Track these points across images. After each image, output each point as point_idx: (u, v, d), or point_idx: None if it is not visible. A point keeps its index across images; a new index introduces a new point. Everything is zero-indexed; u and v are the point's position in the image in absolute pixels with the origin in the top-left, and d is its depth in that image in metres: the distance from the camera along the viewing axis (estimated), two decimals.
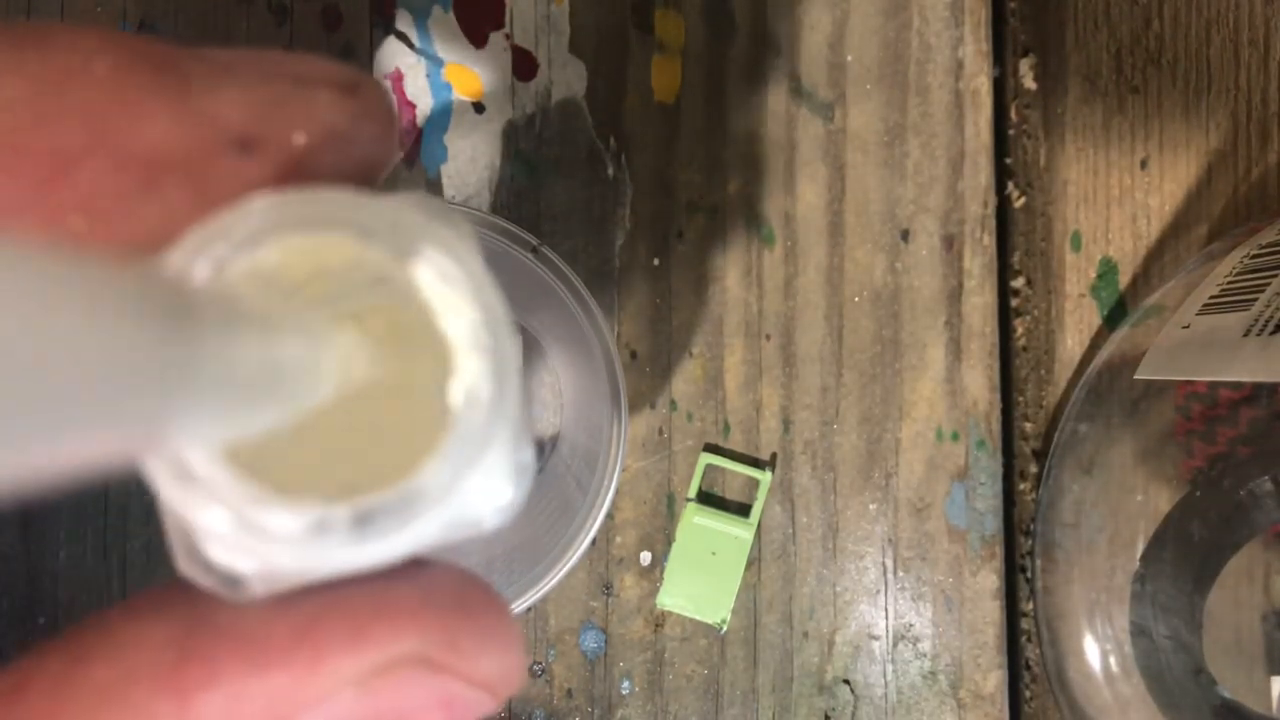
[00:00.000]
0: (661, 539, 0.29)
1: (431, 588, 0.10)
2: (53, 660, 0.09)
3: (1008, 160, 0.30)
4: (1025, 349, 0.30)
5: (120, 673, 0.09)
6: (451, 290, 0.09)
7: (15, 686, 0.09)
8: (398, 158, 0.29)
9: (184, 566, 0.09)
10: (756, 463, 0.29)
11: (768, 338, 0.29)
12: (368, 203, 0.09)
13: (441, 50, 0.29)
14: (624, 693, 0.29)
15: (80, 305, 0.06)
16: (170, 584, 0.10)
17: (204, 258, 0.09)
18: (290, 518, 0.09)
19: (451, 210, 0.10)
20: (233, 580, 0.09)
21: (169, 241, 0.09)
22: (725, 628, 0.29)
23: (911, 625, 0.29)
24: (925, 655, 0.29)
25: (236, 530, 0.09)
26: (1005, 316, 0.30)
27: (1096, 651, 0.27)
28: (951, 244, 0.30)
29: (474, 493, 0.09)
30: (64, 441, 0.06)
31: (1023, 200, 0.30)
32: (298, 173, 0.09)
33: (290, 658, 0.09)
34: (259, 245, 0.09)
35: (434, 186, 0.29)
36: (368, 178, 0.10)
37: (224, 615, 0.09)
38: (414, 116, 0.29)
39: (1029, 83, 0.30)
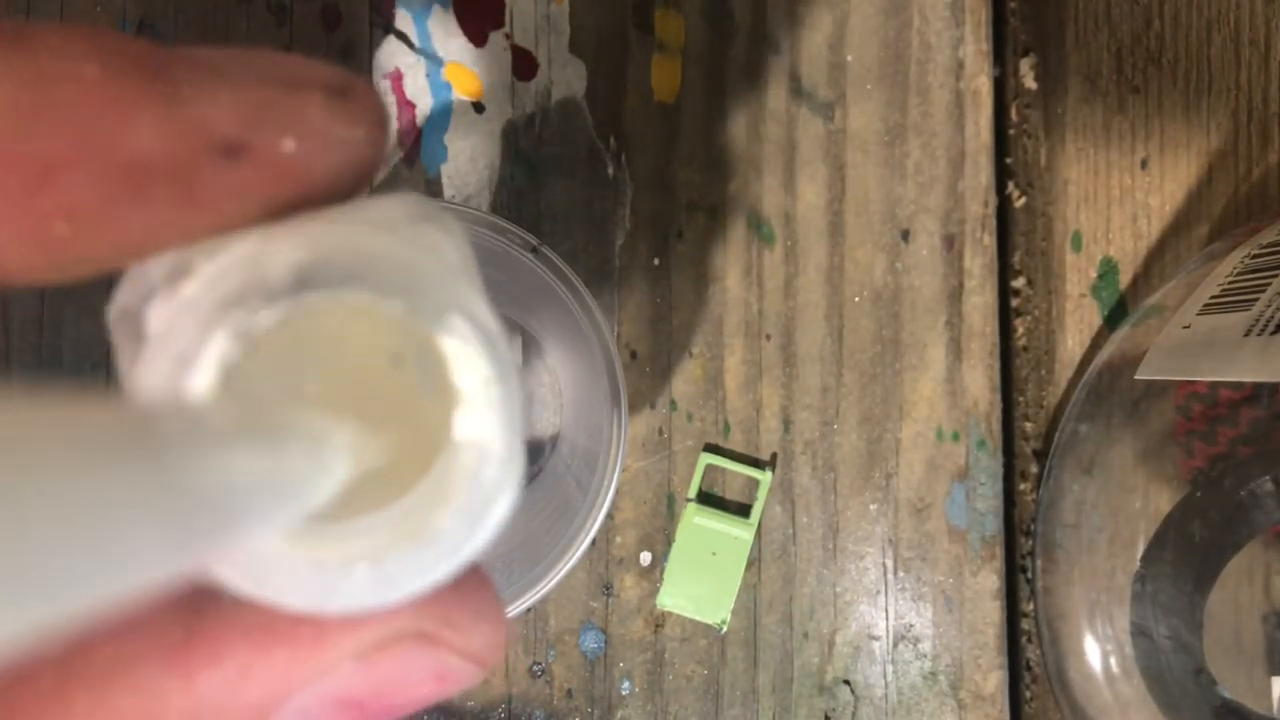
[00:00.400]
0: (661, 539, 0.29)
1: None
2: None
3: (1008, 160, 0.30)
4: (1026, 349, 0.30)
5: (127, 649, 0.09)
6: (467, 348, 0.09)
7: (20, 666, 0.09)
8: (392, 160, 0.29)
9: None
10: (756, 463, 0.29)
11: (768, 338, 0.29)
12: (387, 253, 0.09)
13: (441, 50, 0.29)
14: (624, 693, 0.29)
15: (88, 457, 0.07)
16: None
17: (223, 327, 0.09)
18: (311, 573, 0.09)
19: (444, 211, 0.10)
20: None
21: (154, 248, 0.09)
22: (725, 628, 0.29)
23: (912, 626, 0.29)
24: (925, 656, 0.29)
25: (249, 570, 0.09)
26: (1006, 316, 0.30)
27: (1097, 652, 0.27)
28: (952, 244, 0.30)
29: (486, 539, 0.10)
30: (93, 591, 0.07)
31: (1023, 200, 0.30)
32: (286, 179, 0.09)
33: (294, 635, 0.10)
34: (276, 311, 0.09)
35: (434, 186, 0.29)
36: (359, 181, 0.10)
37: (229, 594, 0.10)
38: (414, 116, 0.29)
39: (1029, 83, 0.30)
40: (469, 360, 0.09)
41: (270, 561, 0.09)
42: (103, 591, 0.07)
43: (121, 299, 0.09)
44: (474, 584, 0.11)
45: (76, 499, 0.06)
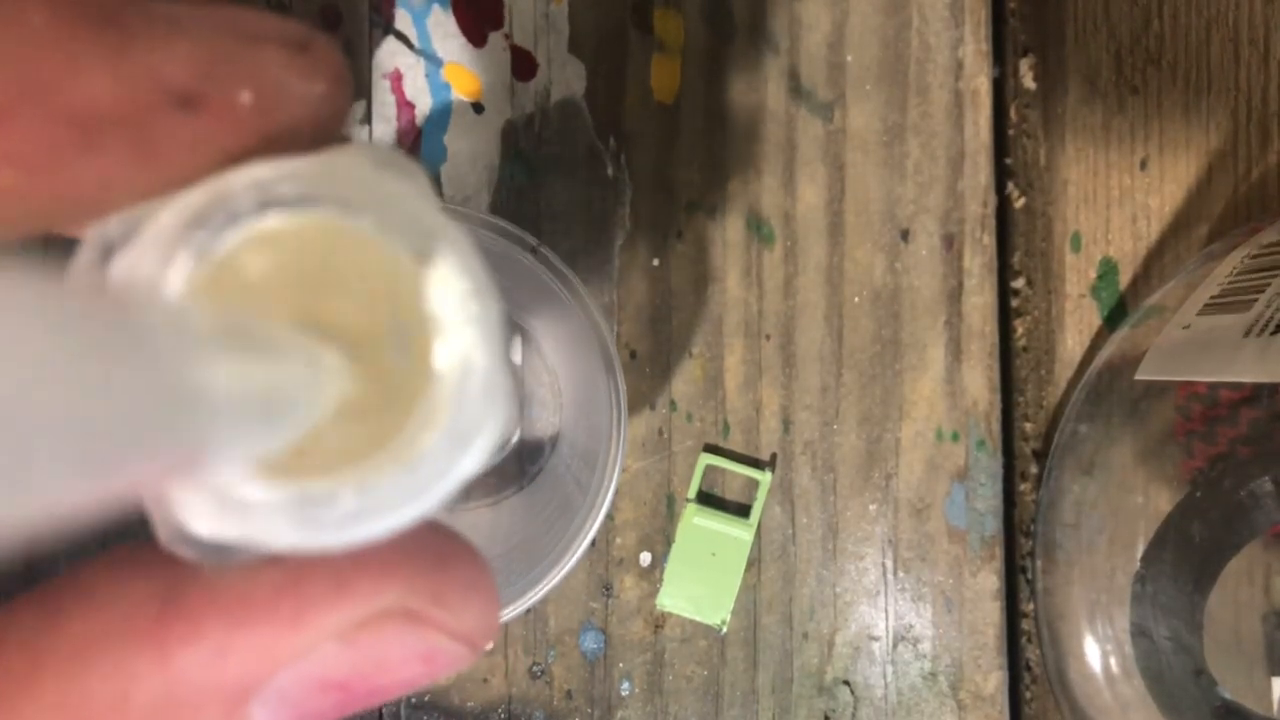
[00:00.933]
0: (661, 540, 0.29)
1: (413, 541, 0.10)
2: (27, 614, 0.09)
3: (1008, 160, 0.30)
4: (1025, 349, 0.30)
5: (99, 627, 0.09)
6: (442, 265, 0.09)
7: None
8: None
9: (164, 538, 0.09)
10: (756, 463, 0.29)
11: (768, 338, 0.29)
12: (356, 176, 0.09)
13: (441, 50, 0.29)
14: (624, 694, 0.29)
15: (82, 342, 0.06)
16: (151, 538, 0.10)
17: (187, 247, 0.09)
18: (292, 505, 0.09)
19: (403, 161, 0.10)
20: (219, 551, 0.09)
21: (108, 200, 0.09)
22: (725, 628, 0.29)
23: (911, 626, 0.29)
24: (925, 656, 0.29)
25: (227, 507, 0.09)
26: (1005, 316, 0.30)
27: (1097, 652, 0.26)
28: (951, 244, 0.30)
29: (474, 462, 0.10)
30: (78, 481, 0.06)
31: (1023, 200, 0.30)
32: (244, 131, 0.09)
33: (273, 612, 0.09)
34: (240, 229, 0.09)
35: (433, 186, 0.29)
36: (320, 138, 0.10)
37: (205, 570, 0.09)
38: (414, 116, 0.29)
39: (1029, 83, 0.30)
40: (444, 278, 0.09)
41: (245, 494, 0.09)
42: (73, 486, 0.06)
43: (83, 258, 0.09)
44: (465, 559, 0.10)
45: (48, 373, 0.06)
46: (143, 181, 0.09)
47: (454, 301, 0.09)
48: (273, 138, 0.09)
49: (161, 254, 0.09)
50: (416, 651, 0.10)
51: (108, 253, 0.09)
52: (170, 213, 0.09)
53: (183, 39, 0.09)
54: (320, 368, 0.09)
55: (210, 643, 0.09)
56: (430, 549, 0.10)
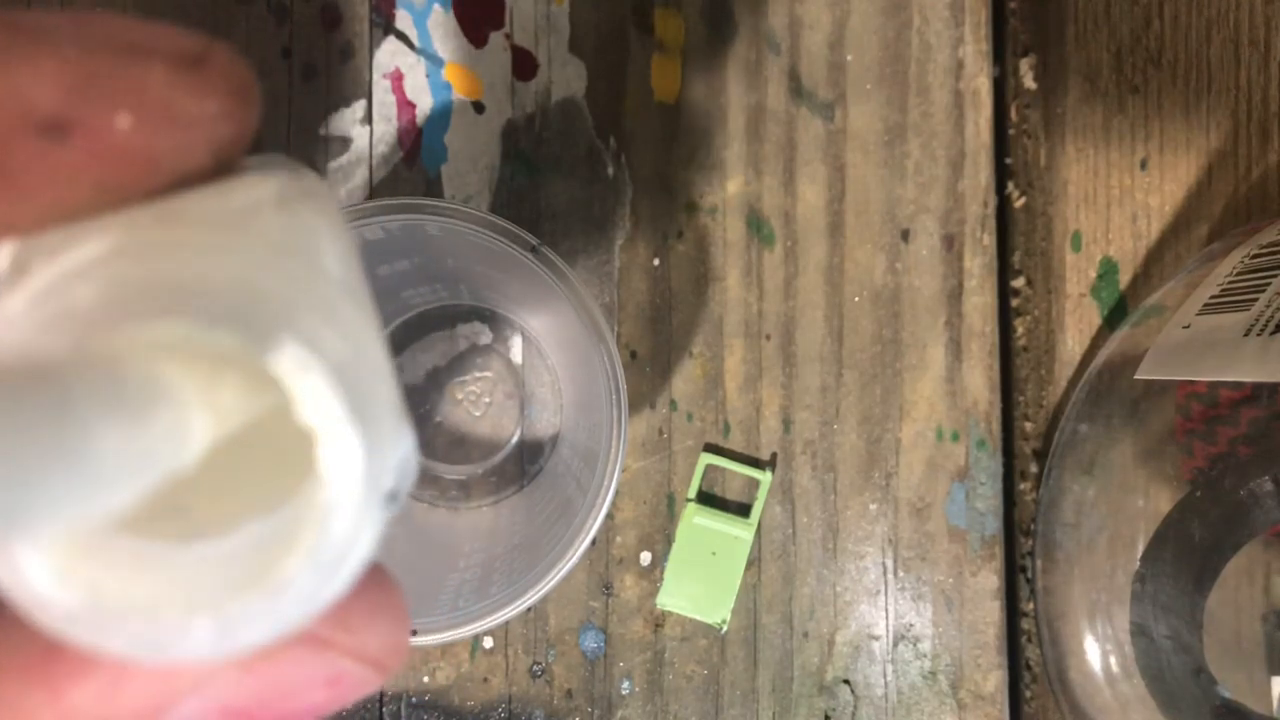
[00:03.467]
0: (661, 539, 0.29)
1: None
2: None
3: (1008, 160, 0.30)
4: (1025, 349, 0.30)
5: None
6: (309, 382, 0.08)
7: None
8: (392, 160, 0.29)
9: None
10: (756, 463, 0.29)
11: (768, 338, 0.29)
12: (229, 262, 0.08)
13: (441, 50, 0.29)
14: (624, 693, 0.29)
15: None
16: None
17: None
18: (147, 626, 0.08)
19: (319, 184, 0.09)
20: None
21: None
22: (725, 628, 0.29)
23: (911, 625, 0.29)
24: (925, 655, 0.29)
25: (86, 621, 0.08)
26: (1005, 316, 0.30)
27: (1097, 652, 0.27)
28: (951, 244, 0.30)
29: (345, 584, 0.09)
30: None
31: (1023, 200, 0.30)
32: (123, 160, 0.08)
33: None
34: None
35: (434, 186, 0.29)
36: (221, 162, 0.09)
37: None
38: (414, 116, 0.29)
39: (1029, 83, 0.30)
40: (314, 395, 0.08)
41: (82, 593, 0.08)
42: None
43: None
44: (371, 579, 0.10)
45: None
46: (7, 216, 0.08)
47: (326, 423, 0.08)
48: (160, 166, 0.08)
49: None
50: (321, 676, 0.09)
51: None
52: (25, 302, 0.08)
53: (50, 55, 0.08)
54: (184, 404, 0.08)
55: (102, 677, 0.09)
56: None
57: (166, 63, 0.08)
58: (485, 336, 0.29)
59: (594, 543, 0.29)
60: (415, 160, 0.29)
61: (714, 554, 0.29)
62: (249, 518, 0.09)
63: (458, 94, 0.29)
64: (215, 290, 0.08)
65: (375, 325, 0.09)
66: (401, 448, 0.09)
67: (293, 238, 0.09)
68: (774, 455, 0.29)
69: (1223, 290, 0.25)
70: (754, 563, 0.29)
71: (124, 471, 0.08)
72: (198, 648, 0.08)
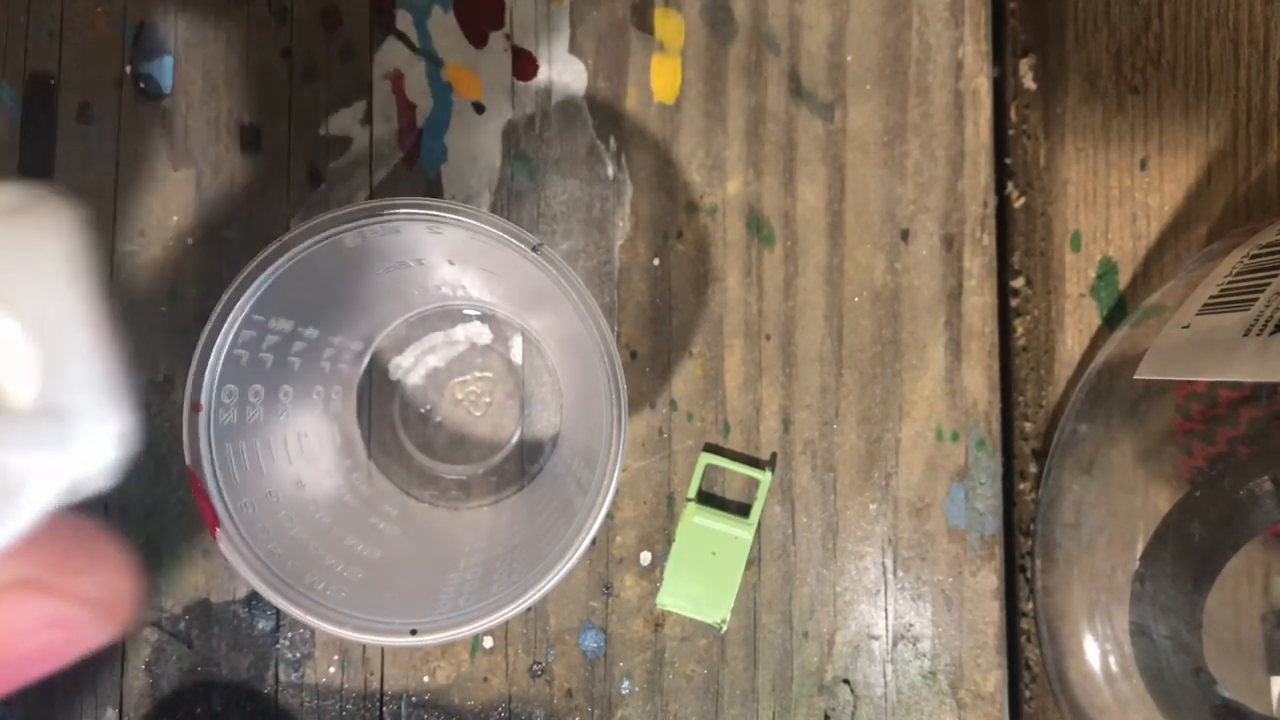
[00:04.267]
0: (661, 539, 0.29)
1: (38, 527, 0.10)
2: None
3: (1008, 160, 0.30)
4: (1025, 349, 0.30)
5: None
6: (4, 329, 0.09)
7: None
8: (392, 161, 0.29)
9: None
10: (756, 463, 0.29)
11: (768, 338, 0.29)
12: None
13: (441, 50, 0.29)
14: (624, 693, 0.29)
15: None
16: None
17: None
18: None
19: (50, 208, 0.10)
20: None
21: None
22: (725, 628, 0.29)
23: (911, 625, 0.29)
24: (925, 655, 0.29)
25: None
26: (1005, 316, 0.30)
27: (1096, 651, 0.27)
28: (951, 244, 0.30)
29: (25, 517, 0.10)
30: None
31: (1023, 200, 0.30)
32: None
33: None
34: None
35: (434, 186, 0.29)
36: None
37: None
38: (414, 116, 0.29)
39: (1029, 83, 0.30)
40: (5, 347, 0.09)
41: None
42: None
43: None
44: (88, 532, 0.11)
45: None
46: None
47: (6, 360, 0.09)
48: None
49: None
50: (44, 619, 0.10)
51: None
52: None
53: None
54: None
55: None
56: (55, 525, 0.10)
57: None
58: (485, 336, 0.29)
59: (594, 543, 0.29)
60: (415, 160, 0.29)
61: (714, 554, 0.29)
62: None
63: (458, 94, 0.29)
64: None
65: (85, 316, 0.10)
66: (100, 419, 0.10)
67: (13, 238, 0.10)
68: (774, 455, 0.29)
69: (1222, 290, 0.25)
70: (754, 562, 0.29)
71: None
72: None
